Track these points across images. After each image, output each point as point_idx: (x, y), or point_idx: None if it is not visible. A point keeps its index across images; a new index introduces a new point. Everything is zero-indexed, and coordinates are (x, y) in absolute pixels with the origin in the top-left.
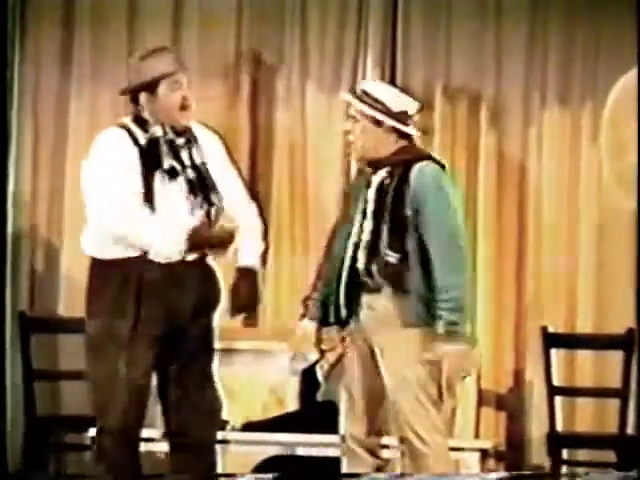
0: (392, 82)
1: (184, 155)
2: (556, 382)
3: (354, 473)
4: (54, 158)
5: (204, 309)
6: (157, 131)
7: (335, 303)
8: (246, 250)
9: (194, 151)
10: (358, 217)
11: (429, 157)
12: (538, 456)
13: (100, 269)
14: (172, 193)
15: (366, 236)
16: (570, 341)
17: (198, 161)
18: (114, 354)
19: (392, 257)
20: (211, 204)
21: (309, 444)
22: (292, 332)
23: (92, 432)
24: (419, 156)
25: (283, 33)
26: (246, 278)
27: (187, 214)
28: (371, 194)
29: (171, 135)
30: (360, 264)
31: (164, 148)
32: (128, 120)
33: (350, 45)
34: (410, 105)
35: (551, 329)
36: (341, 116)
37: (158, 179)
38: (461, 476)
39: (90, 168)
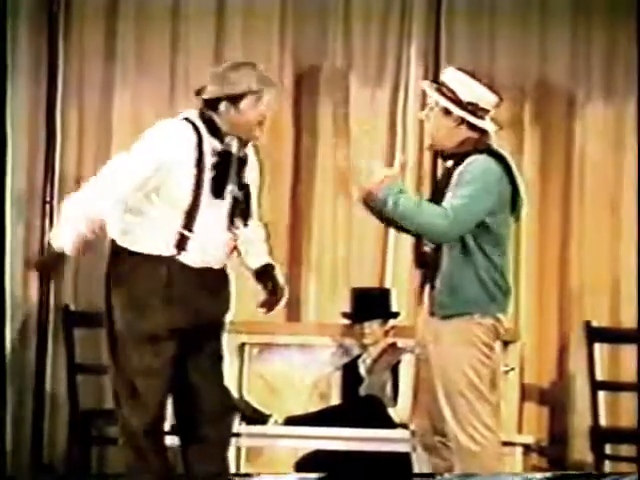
0: (435, 76)
1: (241, 173)
2: (599, 377)
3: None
4: (98, 149)
5: (220, 314)
6: (233, 145)
7: None
8: (254, 254)
9: (246, 170)
10: None
11: (488, 150)
12: (581, 451)
13: (128, 259)
14: (214, 209)
15: None
16: (613, 336)
17: (247, 181)
18: (139, 347)
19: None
20: (245, 225)
21: (352, 439)
22: (334, 327)
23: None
24: (479, 149)
25: (326, 28)
26: (268, 274)
27: (223, 233)
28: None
29: (241, 151)
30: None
31: (234, 164)
32: (198, 120)
33: (394, 39)
34: (484, 97)
35: (594, 323)
36: (385, 109)
37: (206, 192)
38: (506, 475)
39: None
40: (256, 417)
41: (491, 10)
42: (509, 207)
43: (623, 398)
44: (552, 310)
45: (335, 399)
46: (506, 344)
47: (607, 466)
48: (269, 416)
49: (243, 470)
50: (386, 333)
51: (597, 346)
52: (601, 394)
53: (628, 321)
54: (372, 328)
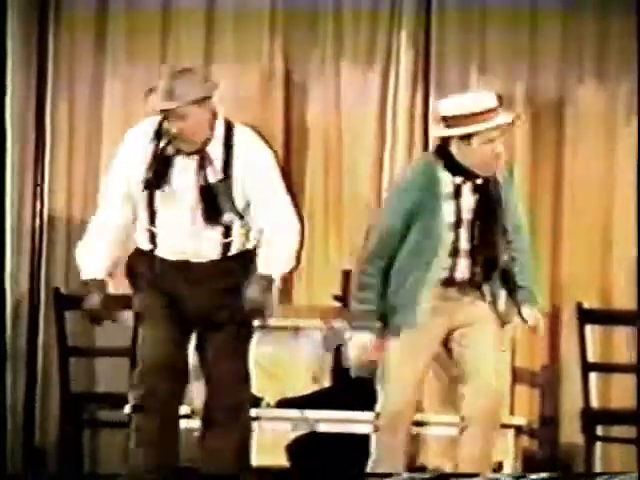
0: (426, 60)
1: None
2: (591, 358)
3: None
4: (89, 142)
5: (210, 306)
6: (170, 148)
7: None
8: (264, 259)
9: (209, 170)
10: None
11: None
12: (572, 433)
13: (130, 255)
14: (173, 204)
15: None
16: (605, 317)
17: (219, 176)
18: (149, 329)
19: None
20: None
21: (343, 421)
22: (325, 309)
23: (127, 409)
24: None
25: (317, 12)
26: (259, 285)
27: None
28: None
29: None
30: None
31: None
32: (153, 125)
33: (384, 22)
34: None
35: (586, 305)
36: (376, 91)
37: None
38: (499, 475)
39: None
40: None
41: None
42: None
43: (614, 380)
44: (544, 292)
45: (327, 381)
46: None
47: (598, 447)
48: (261, 399)
49: None
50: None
51: (588, 328)
52: (592, 376)
53: (619, 302)
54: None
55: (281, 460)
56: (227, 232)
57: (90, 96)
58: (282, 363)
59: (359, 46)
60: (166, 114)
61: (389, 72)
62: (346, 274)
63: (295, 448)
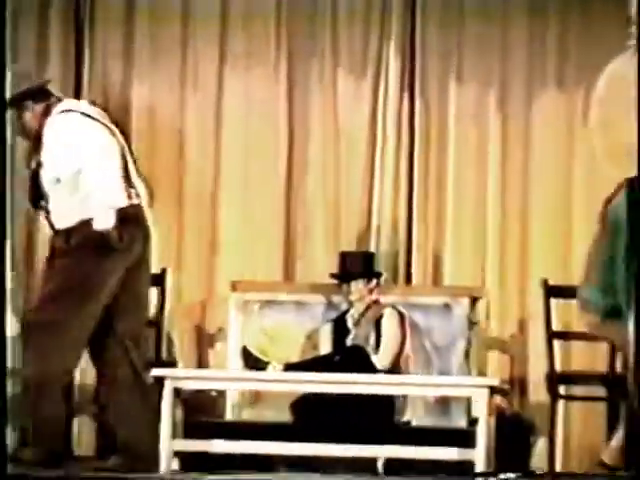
0: (411, 68)
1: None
2: (555, 328)
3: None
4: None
5: None
6: None
7: None
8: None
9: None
10: None
11: None
12: (538, 393)
13: None
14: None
15: None
16: (567, 292)
17: (32, 165)
18: None
19: None
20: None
21: (340, 382)
22: (324, 286)
23: (153, 372)
24: None
25: (316, 27)
26: None
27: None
28: None
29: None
30: None
31: None
32: None
33: (375, 36)
34: None
35: (551, 282)
36: (367, 97)
37: None
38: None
39: None
40: (257, 364)
41: (459, 12)
42: None
43: (574, 346)
44: (514, 270)
45: (326, 349)
46: (474, 300)
47: (560, 404)
48: (268, 363)
49: (246, 412)
50: (370, 291)
51: (553, 301)
52: (556, 343)
53: (578, 278)
54: (357, 287)
55: (286, 416)
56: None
57: (120, 98)
58: (287, 333)
59: (353, 57)
60: None
61: (379, 80)
62: (342, 255)
63: (298, 406)
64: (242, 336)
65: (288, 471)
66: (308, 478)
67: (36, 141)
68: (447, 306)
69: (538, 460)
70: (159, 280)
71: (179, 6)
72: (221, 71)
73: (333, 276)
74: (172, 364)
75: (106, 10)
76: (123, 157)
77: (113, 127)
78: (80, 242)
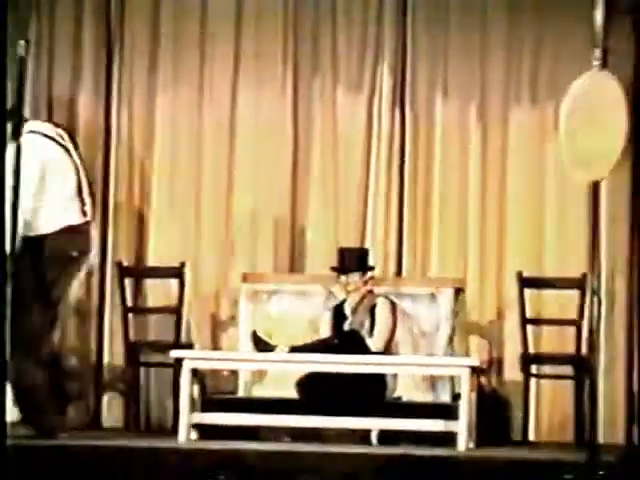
0: (402, 85)
1: None
2: (528, 315)
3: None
4: (145, 145)
5: None
6: None
7: None
8: None
9: None
10: None
11: None
12: (513, 371)
13: None
14: None
15: None
16: (539, 283)
17: None
18: None
19: None
20: None
21: (339, 363)
22: (325, 278)
23: (173, 354)
24: None
25: (318, 48)
26: None
27: None
28: None
29: None
30: None
31: None
32: None
33: (370, 56)
34: None
35: (525, 274)
36: (363, 112)
37: None
38: None
39: None
40: (265, 347)
41: (445, 35)
42: None
43: (545, 331)
44: (492, 264)
45: (326, 333)
46: (457, 291)
47: (532, 382)
48: (275, 346)
49: (256, 389)
50: (365, 283)
51: (526, 291)
52: (529, 328)
53: (550, 272)
54: (354, 279)
55: (291, 393)
56: None
57: (146, 108)
58: (292, 319)
59: (351, 74)
60: None
61: (374, 95)
62: (340, 251)
63: (302, 384)
64: (252, 322)
65: (292, 441)
66: (310, 448)
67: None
68: (433, 296)
69: (513, 430)
70: (178, 273)
71: (197, 29)
72: (234, 86)
73: (333, 269)
74: (190, 347)
75: (133, 34)
76: (77, 175)
77: (71, 147)
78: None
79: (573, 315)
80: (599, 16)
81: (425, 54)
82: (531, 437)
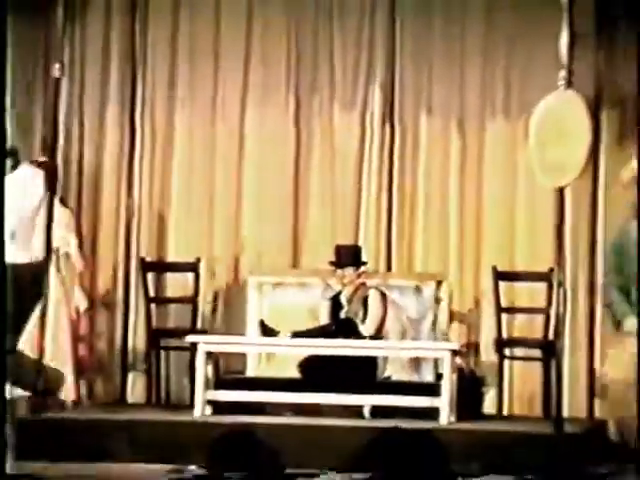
0: (391, 103)
1: None
2: (502, 304)
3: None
4: (165, 151)
5: None
6: None
7: None
8: None
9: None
10: None
11: None
12: (489, 354)
13: None
14: None
15: None
16: (511, 276)
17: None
18: None
19: None
20: None
21: (336, 346)
22: (323, 271)
23: (189, 338)
24: None
25: (318, 71)
26: None
27: None
28: None
29: None
30: None
31: None
32: None
33: (363, 77)
34: None
35: (499, 268)
36: (356, 127)
37: None
38: None
39: None
40: (271, 333)
41: (428, 58)
42: None
43: (517, 318)
44: (470, 260)
45: (324, 320)
46: (439, 283)
47: (506, 363)
48: (279, 332)
49: (262, 369)
50: (358, 276)
51: (500, 283)
52: (503, 316)
53: (521, 266)
54: (349, 273)
55: (294, 373)
56: None
57: (165, 121)
58: (294, 308)
59: (346, 94)
60: None
61: (366, 112)
62: (337, 248)
63: (303, 365)
64: (258, 310)
65: (295, 415)
66: (310, 421)
67: None
68: (418, 288)
69: (488, 406)
70: (194, 267)
71: (211, 52)
72: (243, 103)
73: (330, 264)
74: (204, 332)
75: (155, 55)
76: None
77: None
78: None
79: (541, 304)
80: (564, 41)
81: (411, 75)
82: (505, 411)
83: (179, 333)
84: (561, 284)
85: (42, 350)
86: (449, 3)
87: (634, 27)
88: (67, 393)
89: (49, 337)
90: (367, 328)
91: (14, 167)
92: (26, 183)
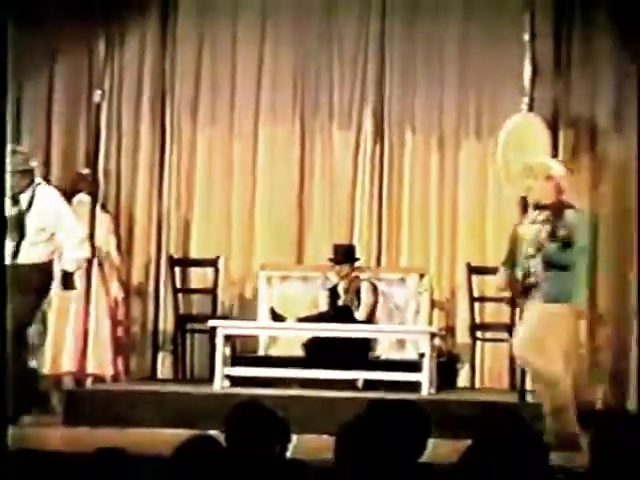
0: (381, 123)
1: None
2: (475, 294)
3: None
4: (190, 165)
5: None
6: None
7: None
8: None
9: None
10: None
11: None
12: (463, 336)
13: None
14: None
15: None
16: (482, 271)
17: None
18: None
19: None
20: None
21: (334, 329)
22: (323, 266)
23: (210, 323)
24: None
25: (319, 96)
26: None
27: None
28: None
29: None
30: None
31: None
32: None
33: (357, 102)
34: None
35: (473, 264)
36: (352, 143)
37: None
38: None
39: None
40: (279, 318)
41: (413, 85)
42: None
43: (487, 306)
44: (448, 256)
45: (324, 308)
46: (421, 276)
47: (478, 344)
48: (286, 317)
49: (271, 350)
50: (353, 270)
51: (473, 277)
52: (475, 304)
53: (491, 262)
54: (345, 267)
55: (298, 352)
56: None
57: (190, 141)
58: (298, 297)
59: (343, 116)
60: None
61: (360, 132)
62: (335, 247)
63: (307, 345)
64: (268, 300)
65: (300, 388)
66: (312, 393)
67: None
68: (403, 280)
69: (463, 380)
70: (214, 263)
71: (228, 82)
72: (256, 124)
73: (329, 260)
74: (223, 318)
75: (182, 84)
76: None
77: None
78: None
79: (507, 295)
80: (527, 73)
81: (398, 100)
82: (477, 384)
83: (201, 318)
84: None
85: (86, 332)
86: (430, 38)
87: (586, 61)
88: (106, 369)
89: (92, 322)
90: (360, 314)
91: (28, 185)
92: (42, 201)
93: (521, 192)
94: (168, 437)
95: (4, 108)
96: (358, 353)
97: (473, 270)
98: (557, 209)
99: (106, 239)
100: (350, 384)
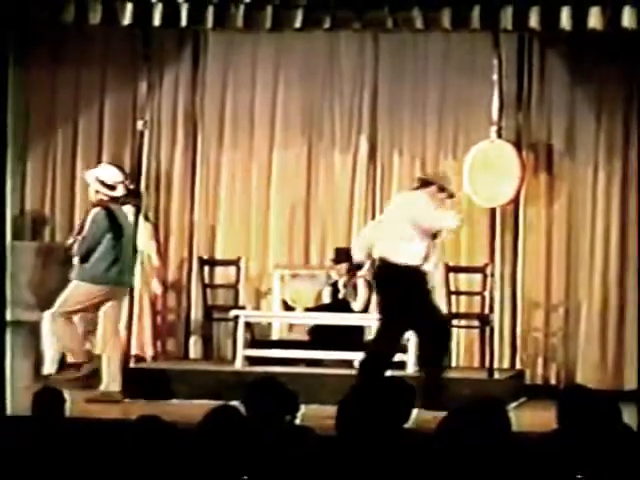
0: (374, 148)
1: None
2: (451, 289)
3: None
4: (216, 181)
5: None
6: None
7: None
8: None
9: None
10: None
11: None
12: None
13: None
14: None
15: None
16: (458, 269)
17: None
18: None
19: None
20: None
21: (335, 319)
22: (326, 266)
23: (233, 312)
24: None
25: (323, 124)
26: None
27: None
28: None
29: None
30: None
31: None
32: None
33: (354, 130)
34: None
35: (450, 264)
36: (350, 164)
37: None
38: None
39: None
40: (290, 309)
41: (400, 118)
42: None
43: (461, 299)
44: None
45: (327, 301)
46: None
47: (454, 331)
48: (295, 308)
49: (283, 335)
50: (350, 269)
51: (450, 274)
52: (452, 297)
53: (464, 261)
54: (344, 267)
55: (305, 337)
56: None
57: (216, 162)
58: (304, 291)
59: (342, 143)
60: None
61: (357, 156)
62: (336, 250)
63: (313, 331)
64: (281, 293)
65: (307, 366)
66: (316, 370)
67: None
68: None
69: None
70: (236, 263)
71: (248, 115)
72: (271, 148)
73: (331, 260)
74: (243, 308)
75: (211, 114)
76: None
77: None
78: None
79: (479, 289)
80: (495, 105)
81: (388, 129)
82: (453, 364)
83: (225, 309)
84: (492, 275)
85: (131, 320)
86: (415, 77)
87: (543, 96)
88: (147, 350)
89: (135, 312)
90: (357, 306)
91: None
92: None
93: (488, 205)
94: (196, 409)
95: (5, 114)
96: (354, 338)
97: (450, 269)
98: None
99: (148, 244)
100: (348, 363)
